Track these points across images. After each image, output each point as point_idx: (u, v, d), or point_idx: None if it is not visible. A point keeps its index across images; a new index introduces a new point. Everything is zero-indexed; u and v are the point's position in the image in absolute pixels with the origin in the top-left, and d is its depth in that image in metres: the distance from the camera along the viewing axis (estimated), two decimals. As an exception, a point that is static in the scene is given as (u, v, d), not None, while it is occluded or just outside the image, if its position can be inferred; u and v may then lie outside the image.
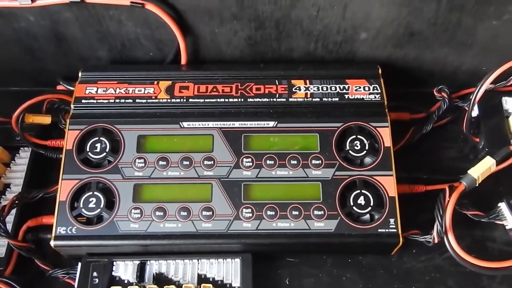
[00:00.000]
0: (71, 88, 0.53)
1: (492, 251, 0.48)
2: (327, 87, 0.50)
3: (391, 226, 0.44)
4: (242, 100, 0.50)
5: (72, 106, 0.49)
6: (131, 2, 0.46)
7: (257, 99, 0.50)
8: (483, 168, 0.47)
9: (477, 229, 0.49)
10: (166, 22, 0.48)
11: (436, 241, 0.45)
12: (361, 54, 0.54)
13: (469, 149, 0.54)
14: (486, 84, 0.50)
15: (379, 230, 0.44)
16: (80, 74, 0.52)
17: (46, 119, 0.52)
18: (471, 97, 0.51)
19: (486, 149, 0.52)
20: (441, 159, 0.54)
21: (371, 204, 0.45)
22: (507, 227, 0.48)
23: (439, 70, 0.56)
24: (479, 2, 0.47)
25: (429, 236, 0.45)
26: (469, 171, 0.47)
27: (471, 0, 0.47)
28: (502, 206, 0.48)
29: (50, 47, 0.54)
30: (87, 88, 0.50)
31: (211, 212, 0.45)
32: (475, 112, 0.53)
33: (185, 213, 0.45)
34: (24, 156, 0.51)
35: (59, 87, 0.55)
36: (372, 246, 0.45)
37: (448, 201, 0.45)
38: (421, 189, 0.50)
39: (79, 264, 0.44)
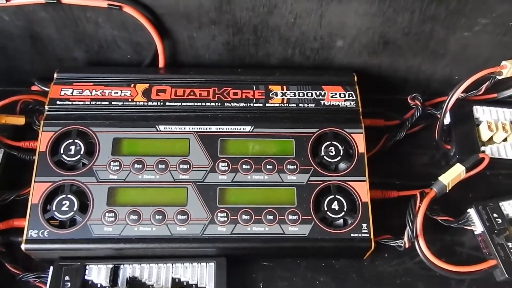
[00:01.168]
0: (46, 89, 0.52)
1: (461, 256, 0.50)
2: (303, 93, 0.52)
3: (363, 231, 0.45)
4: (219, 104, 0.50)
5: (46, 107, 0.49)
6: (109, 4, 0.46)
7: (234, 104, 0.50)
8: (453, 175, 0.49)
9: (447, 234, 0.51)
10: (144, 25, 0.49)
11: (407, 246, 0.46)
12: (338, 61, 0.56)
13: (441, 156, 0.56)
14: (457, 94, 0.52)
15: (352, 235, 0.45)
16: (55, 75, 0.51)
17: (20, 120, 0.51)
18: (443, 105, 0.53)
19: (457, 156, 0.54)
20: (414, 165, 0.56)
21: (345, 209, 0.46)
22: (475, 232, 0.50)
23: (413, 78, 0.58)
24: (451, 14, 0.49)
25: (400, 241, 0.47)
26: (439, 178, 0.48)
27: (443, 12, 0.49)
28: (471, 212, 0.50)
29: (25, 47, 0.54)
30: (63, 89, 0.50)
31: (186, 216, 0.45)
32: (447, 120, 0.55)
33: (160, 217, 0.45)
34: (-5, 158, 0.51)
35: (34, 88, 0.55)
36: (345, 250, 0.46)
37: (419, 207, 0.47)
38: (393, 195, 0.51)
39: (51, 268, 0.44)
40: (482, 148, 0.54)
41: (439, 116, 0.54)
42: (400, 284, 0.48)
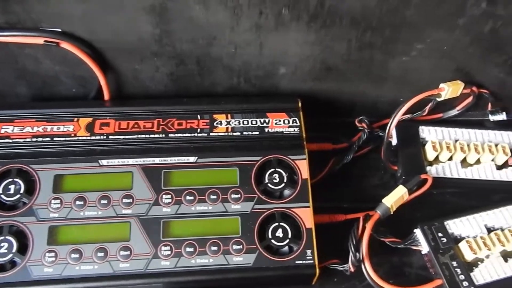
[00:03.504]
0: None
1: (409, 276, 0.52)
2: (248, 121, 0.53)
3: (307, 258, 0.47)
4: (164, 135, 0.52)
5: (-14, 146, 0.50)
6: (45, 41, 0.47)
7: (178, 134, 0.52)
8: (396, 196, 0.50)
9: (395, 255, 0.53)
10: (84, 60, 0.50)
11: (352, 270, 0.48)
12: (284, 87, 0.58)
13: (390, 177, 0.58)
14: (398, 116, 0.55)
15: (297, 262, 0.46)
16: (-1, 112, 0.52)
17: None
18: (386, 127, 0.55)
19: (403, 177, 0.56)
20: (363, 188, 0.58)
21: (289, 236, 0.48)
22: (422, 252, 0.52)
23: (360, 101, 0.61)
24: (386, 41, 0.52)
25: (346, 265, 0.48)
26: (383, 200, 0.50)
27: (379, 39, 0.51)
28: (417, 232, 0.52)
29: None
30: (3, 127, 0.51)
31: (129, 252, 0.46)
32: (394, 141, 0.58)
33: (102, 254, 0.46)
34: None
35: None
36: (290, 278, 0.47)
37: (363, 230, 0.49)
38: (341, 218, 0.53)
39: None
40: (428, 168, 0.56)
41: (389, 137, 0.57)
42: (349, 308, 0.50)
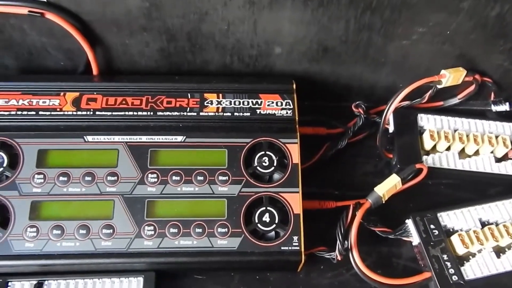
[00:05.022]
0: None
1: (397, 267, 0.52)
2: (239, 102, 0.53)
3: (294, 244, 0.47)
4: (152, 113, 0.51)
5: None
6: (29, 11, 0.47)
7: (167, 113, 0.51)
8: (389, 185, 0.50)
9: (385, 246, 0.53)
10: (70, 32, 0.49)
11: (339, 258, 0.48)
12: (278, 67, 0.57)
13: (384, 165, 0.58)
14: (396, 102, 0.54)
15: (282, 248, 0.47)
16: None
17: None
18: (383, 113, 0.55)
19: (398, 166, 0.56)
20: (355, 174, 0.58)
21: (276, 221, 0.48)
22: (413, 244, 0.52)
23: (356, 85, 0.60)
24: (387, 23, 0.51)
25: (333, 253, 0.48)
26: (374, 189, 0.50)
27: (378, 21, 0.50)
28: (409, 222, 0.52)
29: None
30: (-11, 99, 0.51)
31: (111, 230, 0.46)
32: (391, 128, 0.57)
33: (84, 231, 0.46)
34: None
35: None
36: (275, 263, 0.47)
37: (353, 218, 0.49)
38: (331, 205, 0.53)
39: None
40: (425, 157, 0.56)
41: (386, 124, 0.56)
42: (334, 297, 0.50)
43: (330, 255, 0.49)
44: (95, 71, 0.54)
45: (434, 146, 0.57)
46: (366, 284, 0.49)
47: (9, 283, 0.45)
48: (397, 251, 0.53)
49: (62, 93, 0.52)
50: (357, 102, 0.57)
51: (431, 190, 0.56)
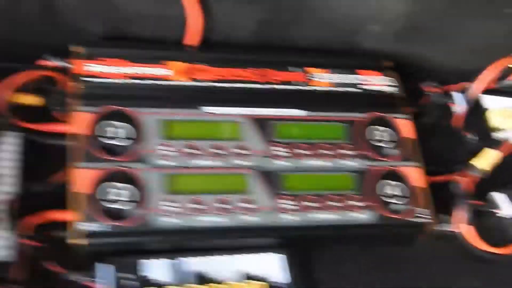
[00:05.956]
0: (65, 65, 0.48)
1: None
2: (346, 77, 0.54)
3: (426, 216, 0.49)
4: (267, 86, 0.51)
5: (80, 85, 0.45)
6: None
7: (279, 86, 0.51)
8: (490, 159, 0.54)
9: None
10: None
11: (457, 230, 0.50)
12: (370, 46, 0.58)
13: (460, 143, 0.61)
14: (482, 83, 0.58)
15: (416, 220, 0.48)
16: (72, 48, 0.47)
17: (38, 100, 0.47)
18: (465, 93, 0.59)
19: (479, 143, 0.59)
20: (436, 152, 0.58)
21: (405, 194, 0.49)
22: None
23: (432, 66, 0.62)
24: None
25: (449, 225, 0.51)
26: (476, 164, 0.54)
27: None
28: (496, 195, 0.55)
29: (32, 15, 0.49)
30: (86, 64, 0.47)
31: (250, 204, 0.45)
32: (464, 107, 0.61)
33: (224, 206, 0.44)
34: (10, 143, 0.45)
35: (44, 63, 0.50)
36: (409, 236, 0.49)
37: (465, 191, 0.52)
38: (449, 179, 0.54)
39: (101, 265, 0.41)
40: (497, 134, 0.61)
41: (456, 103, 0.60)
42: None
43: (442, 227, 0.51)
44: (195, 41, 0.52)
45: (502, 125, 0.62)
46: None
47: (144, 262, 0.42)
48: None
49: (165, 63, 0.49)
50: (430, 82, 0.59)
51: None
